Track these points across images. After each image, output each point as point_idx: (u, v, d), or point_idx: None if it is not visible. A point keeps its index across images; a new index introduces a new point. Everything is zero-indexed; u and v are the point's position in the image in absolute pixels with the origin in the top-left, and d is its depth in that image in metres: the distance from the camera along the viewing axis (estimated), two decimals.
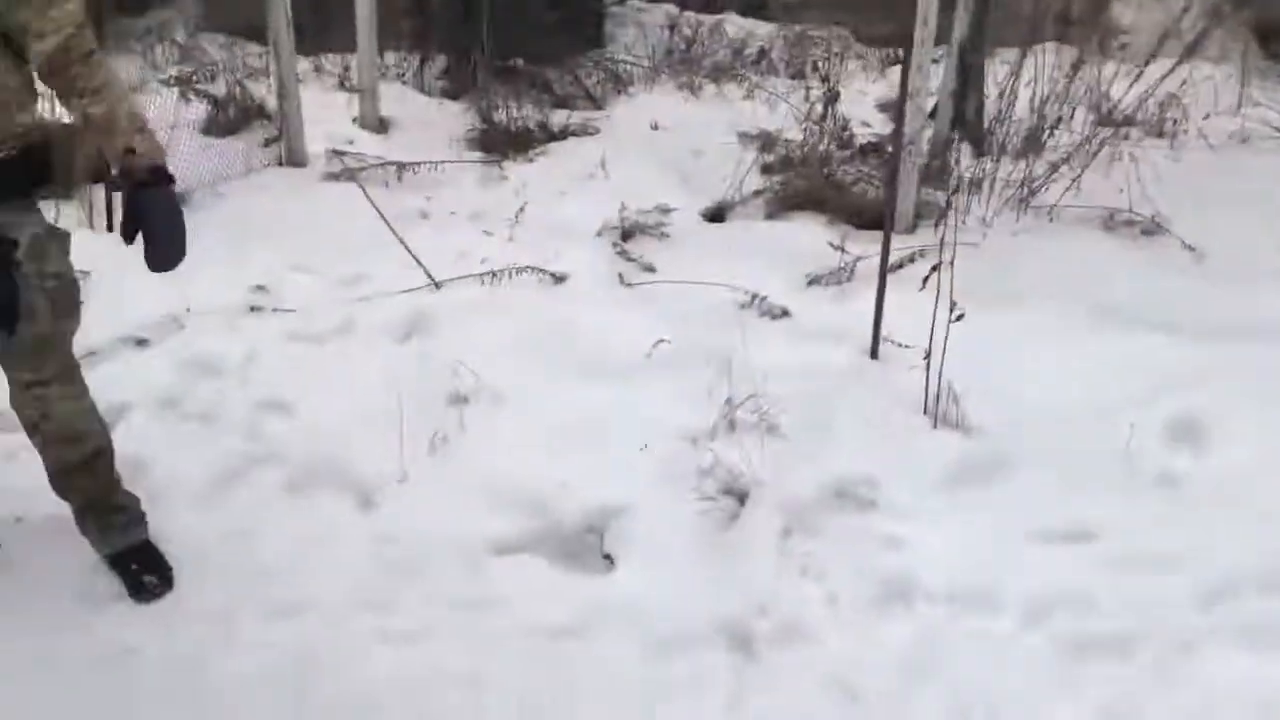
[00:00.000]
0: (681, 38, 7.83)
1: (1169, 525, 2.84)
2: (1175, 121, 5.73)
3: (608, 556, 2.84)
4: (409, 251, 4.10)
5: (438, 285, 4.03)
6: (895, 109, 3.53)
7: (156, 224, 2.33)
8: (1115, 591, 2.60)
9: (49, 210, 2.68)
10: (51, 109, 2.58)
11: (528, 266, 4.11)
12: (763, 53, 7.27)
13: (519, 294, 4.03)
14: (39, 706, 2.37)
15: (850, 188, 4.84)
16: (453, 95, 6.68)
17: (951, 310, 3.15)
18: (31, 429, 2.62)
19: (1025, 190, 4.78)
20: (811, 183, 4.84)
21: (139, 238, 2.35)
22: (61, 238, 2.50)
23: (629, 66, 7.06)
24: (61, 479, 2.67)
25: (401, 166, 5.19)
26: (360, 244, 4.38)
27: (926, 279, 3.22)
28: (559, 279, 4.14)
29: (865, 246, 4.32)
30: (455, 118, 6.14)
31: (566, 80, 6.64)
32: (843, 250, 4.18)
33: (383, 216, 4.29)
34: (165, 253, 2.36)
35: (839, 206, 4.73)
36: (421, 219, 4.82)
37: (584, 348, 3.62)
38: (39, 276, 2.43)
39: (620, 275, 4.23)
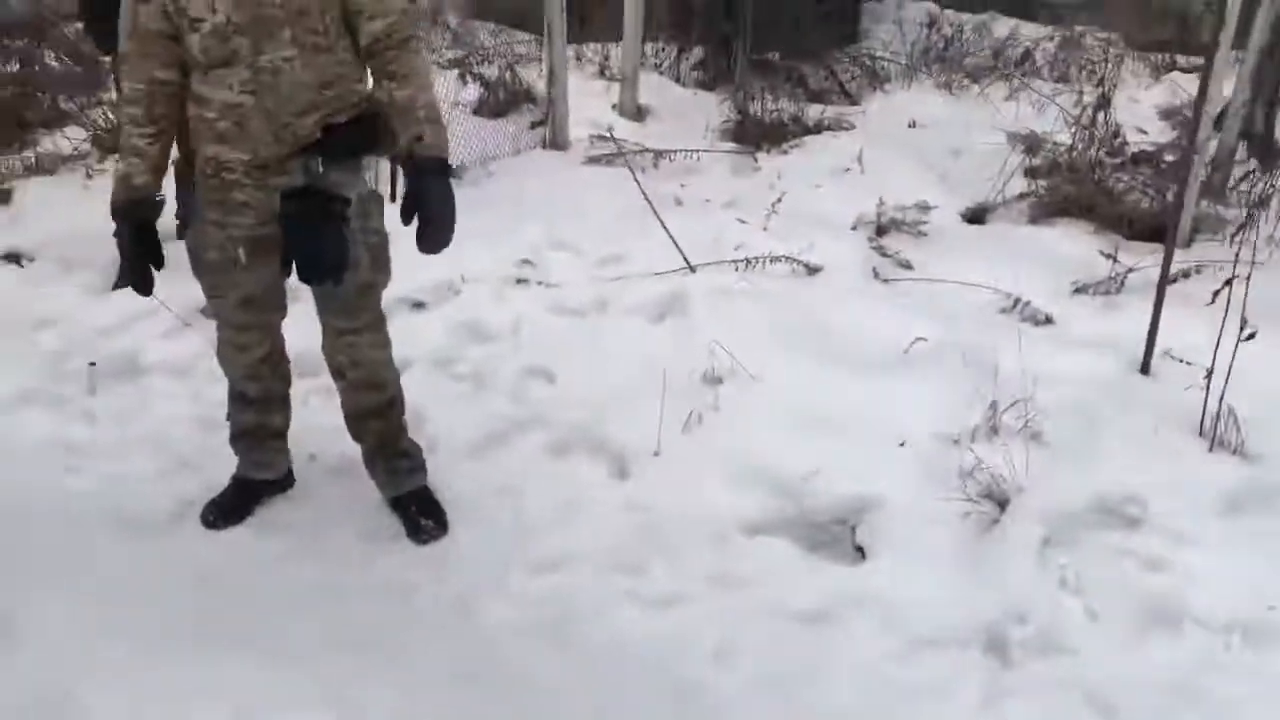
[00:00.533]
0: (941, 35, 7.66)
1: None
2: None
3: (859, 548, 2.84)
4: (668, 234, 4.20)
5: (693, 269, 4.12)
6: (1193, 115, 3.34)
7: (432, 210, 2.42)
8: None
9: None
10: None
11: (782, 256, 4.14)
12: (1027, 54, 7.02)
13: (773, 282, 4.06)
14: (321, 631, 2.58)
15: (1121, 196, 4.63)
16: (708, 86, 6.78)
17: (1241, 329, 2.98)
18: (338, 374, 2.85)
19: None
20: (1080, 188, 4.66)
21: (414, 219, 2.47)
22: (378, 199, 2.73)
23: (885, 63, 6.97)
24: (358, 422, 2.90)
25: (658, 154, 5.32)
26: (618, 226, 4.52)
27: (1217, 294, 3.05)
28: (813, 270, 4.14)
29: (1136, 258, 4.14)
30: (710, 108, 6.22)
31: (822, 75, 6.62)
32: (1115, 260, 4.00)
33: (648, 200, 4.41)
34: (436, 237, 2.45)
35: (1108, 215, 4.53)
36: (676, 205, 4.92)
37: (839, 339, 3.62)
38: (363, 232, 2.66)
39: (875, 270, 4.20)
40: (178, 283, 2.92)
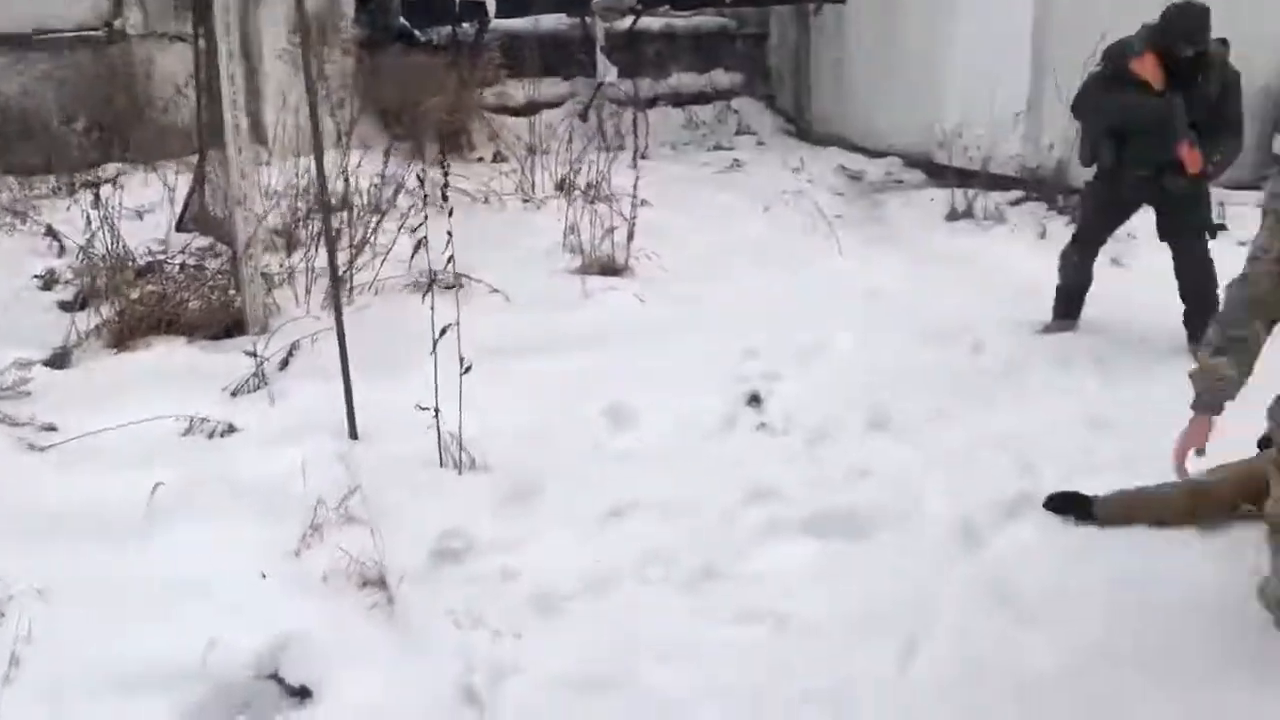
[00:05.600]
0: None
1: None
2: None
3: None
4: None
5: None
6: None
7: None
8: None
9: None
10: None
11: None
12: None
13: None
14: None
15: (186, 303, 4.77)
16: None
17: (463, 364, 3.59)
18: None
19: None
20: (147, 305, 4.67)
21: None
22: None
23: None
24: None
25: None
26: None
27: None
28: None
29: (231, 355, 4.44)
30: None
31: None
32: (255, 355, 4.26)
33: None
34: None
35: (191, 323, 4.68)
36: None
37: None
38: None
39: (32, 445, 3.75)
40: None
